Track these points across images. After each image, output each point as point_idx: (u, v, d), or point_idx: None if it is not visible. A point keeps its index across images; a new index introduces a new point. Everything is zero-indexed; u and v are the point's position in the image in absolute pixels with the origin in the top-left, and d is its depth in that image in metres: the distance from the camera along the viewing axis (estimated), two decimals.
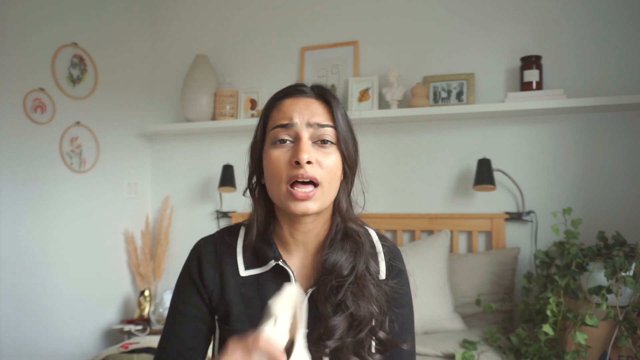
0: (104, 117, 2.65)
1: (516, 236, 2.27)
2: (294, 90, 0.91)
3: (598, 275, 1.69)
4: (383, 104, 2.46)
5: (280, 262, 0.90)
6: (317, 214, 0.88)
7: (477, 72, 2.34)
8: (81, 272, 2.52)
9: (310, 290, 0.89)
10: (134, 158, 2.90)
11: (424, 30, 2.45)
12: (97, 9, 2.64)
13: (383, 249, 0.97)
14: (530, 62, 2.16)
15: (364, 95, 2.46)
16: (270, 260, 0.90)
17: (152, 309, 2.65)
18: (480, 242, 2.35)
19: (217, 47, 2.86)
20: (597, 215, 2.12)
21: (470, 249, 2.35)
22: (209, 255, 0.94)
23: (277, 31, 2.74)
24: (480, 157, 2.26)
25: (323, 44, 2.63)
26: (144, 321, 2.61)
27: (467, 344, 1.82)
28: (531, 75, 2.15)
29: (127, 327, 2.53)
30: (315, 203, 0.85)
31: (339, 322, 0.84)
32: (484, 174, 2.19)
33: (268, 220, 0.94)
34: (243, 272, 0.92)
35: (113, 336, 2.65)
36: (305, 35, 2.67)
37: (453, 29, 2.39)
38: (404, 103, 2.41)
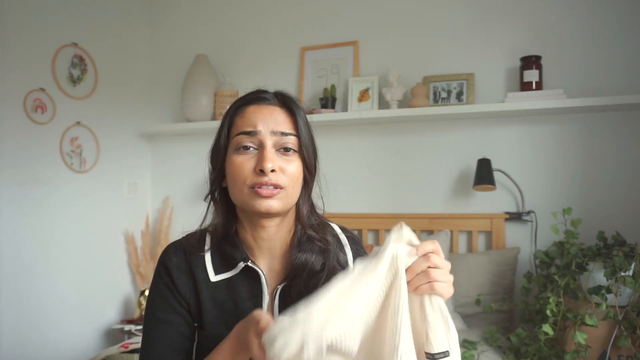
0: (104, 117, 2.65)
1: (516, 236, 2.27)
2: (258, 98, 0.93)
3: (598, 275, 1.69)
4: (383, 104, 2.46)
5: (249, 263, 0.90)
6: (280, 216, 0.90)
7: (477, 72, 2.34)
8: (81, 272, 2.53)
9: (280, 287, 0.91)
10: (134, 158, 2.90)
11: (424, 30, 2.45)
12: (97, 9, 2.64)
13: (347, 240, 1.01)
14: (530, 62, 2.16)
15: (364, 95, 2.46)
16: (239, 262, 0.91)
17: None
18: (480, 242, 2.35)
19: (217, 47, 2.86)
20: (597, 215, 2.12)
21: (470, 249, 2.35)
22: (181, 262, 0.93)
23: (277, 31, 2.74)
24: (480, 157, 2.26)
25: (323, 44, 2.63)
26: None
27: (467, 344, 1.82)
28: (531, 75, 2.15)
29: (127, 327, 2.53)
30: (278, 202, 0.87)
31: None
32: (484, 174, 2.19)
33: (232, 223, 0.95)
34: (213, 278, 0.92)
35: (113, 336, 2.65)
36: (305, 35, 2.67)
37: (453, 29, 2.39)
38: (404, 103, 2.41)
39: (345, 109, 2.51)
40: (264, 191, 0.85)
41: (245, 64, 2.80)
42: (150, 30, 3.03)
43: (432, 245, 0.75)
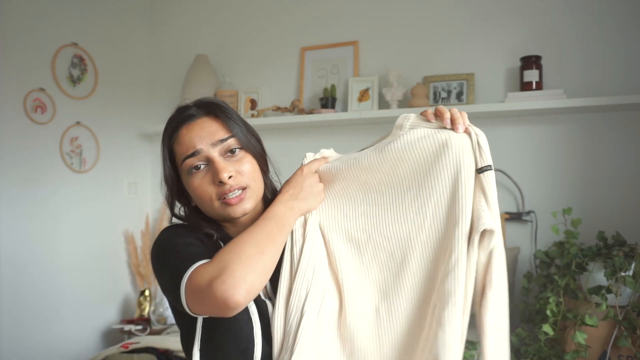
0: (104, 117, 2.65)
1: (516, 236, 2.27)
2: (185, 117, 0.95)
3: (598, 275, 1.69)
4: (383, 104, 2.46)
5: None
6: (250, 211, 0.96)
7: (477, 72, 2.34)
8: (81, 271, 2.53)
9: None
10: (134, 158, 2.90)
11: (424, 30, 2.45)
12: (97, 9, 2.64)
13: None
14: (530, 62, 2.16)
15: (364, 95, 2.46)
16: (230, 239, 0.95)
17: (152, 308, 2.65)
18: None
19: (217, 47, 2.86)
20: (597, 215, 2.12)
21: None
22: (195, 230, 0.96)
23: (277, 31, 2.74)
24: None
25: (323, 44, 2.63)
26: (144, 321, 2.61)
27: (467, 344, 1.82)
28: (531, 75, 2.15)
29: (127, 327, 2.53)
30: (249, 201, 0.93)
31: None
32: None
33: (214, 225, 0.99)
34: None
35: (113, 336, 2.65)
36: (305, 35, 2.67)
37: (453, 29, 2.39)
38: (404, 103, 2.41)
39: (345, 109, 2.51)
40: (233, 199, 0.91)
41: (245, 64, 2.80)
42: (150, 30, 3.03)
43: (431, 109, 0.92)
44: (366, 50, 2.55)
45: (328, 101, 2.47)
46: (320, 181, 1.00)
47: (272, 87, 2.73)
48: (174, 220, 1.01)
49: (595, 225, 2.04)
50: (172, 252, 0.86)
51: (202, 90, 2.68)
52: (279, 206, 0.92)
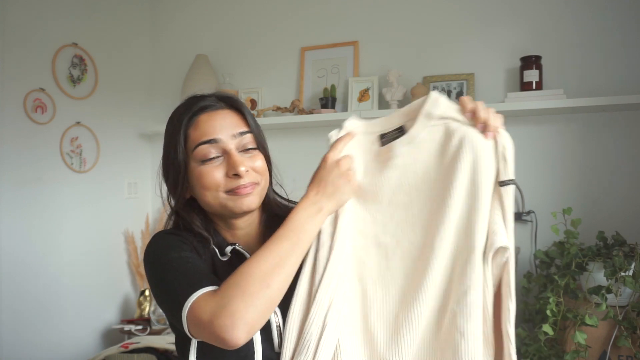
0: (104, 117, 2.65)
1: (516, 236, 2.23)
2: (206, 106, 0.93)
3: (598, 275, 1.69)
4: (383, 104, 2.46)
5: (236, 246, 0.94)
6: (254, 210, 0.94)
7: (477, 72, 2.34)
8: (81, 272, 2.53)
9: None
10: (134, 158, 2.90)
11: (424, 30, 2.45)
12: (97, 9, 2.64)
13: None
14: (530, 62, 2.16)
15: (364, 95, 2.46)
16: (227, 246, 0.94)
17: (152, 308, 2.65)
18: None
19: (217, 47, 2.86)
20: (597, 215, 2.12)
21: None
22: (191, 238, 0.93)
23: (277, 31, 2.74)
24: None
25: (323, 44, 2.63)
26: (144, 321, 2.61)
27: None
28: (531, 75, 2.15)
29: (127, 327, 2.53)
30: (255, 197, 0.91)
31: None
32: None
33: (209, 226, 0.97)
34: (223, 257, 0.95)
35: (113, 336, 2.65)
36: (305, 35, 2.67)
37: (453, 29, 2.39)
38: (404, 103, 2.41)
39: (345, 109, 2.51)
40: (243, 189, 0.89)
41: (245, 64, 2.80)
42: (151, 31, 3.03)
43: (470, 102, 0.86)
44: (366, 50, 2.55)
45: (328, 101, 2.47)
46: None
47: (272, 87, 2.74)
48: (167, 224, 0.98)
49: (595, 225, 2.04)
50: (169, 270, 0.83)
51: (203, 91, 2.67)
52: (301, 214, 0.86)
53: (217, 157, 0.89)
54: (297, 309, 0.85)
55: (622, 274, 1.63)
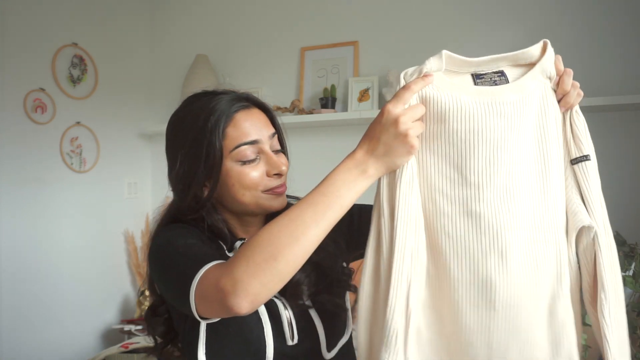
0: (104, 117, 2.65)
1: None
2: (242, 105, 0.91)
3: None
4: (383, 104, 2.44)
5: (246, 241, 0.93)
6: None
7: None
8: (81, 272, 2.53)
9: None
10: (134, 158, 2.90)
11: (424, 30, 2.45)
12: (97, 9, 2.64)
13: None
14: None
15: (364, 95, 2.46)
16: (237, 241, 0.93)
17: None
18: None
19: (217, 47, 2.86)
20: None
21: None
22: (197, 231, 0.90)
23: (277, 31, 2.74)
24: None
25: (323, 44, 2.63)
26: (144, 321, 2.61)
27: None
28: None
29: (127, 327, 2.53)
30: (285, 196, 0.95)
31: (300, 276, 0.87)
32: None
33: (223, 226, 0.93)
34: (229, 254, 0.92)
35: (113, 336, 2.65)
36: (305, 35, 2.67)
37: (453, 29, 2.39)
38: None
39: (345, 109, 2.51)
40: (282, 189, 0.92)
41: (245, 64, 2.80)
42: (150, 30, 3.03)
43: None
44: (366, 50, 2.55)
45: (328, 101, 2.47)
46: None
47: (272, 87, 2.73)
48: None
49: None
50: (175, 256, 0.80)
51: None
52: (339, 175, 0.74)
53: (258, 156, 0.90)
54: (367, 289, 0.74)
55: (622, 274, 1.63)
